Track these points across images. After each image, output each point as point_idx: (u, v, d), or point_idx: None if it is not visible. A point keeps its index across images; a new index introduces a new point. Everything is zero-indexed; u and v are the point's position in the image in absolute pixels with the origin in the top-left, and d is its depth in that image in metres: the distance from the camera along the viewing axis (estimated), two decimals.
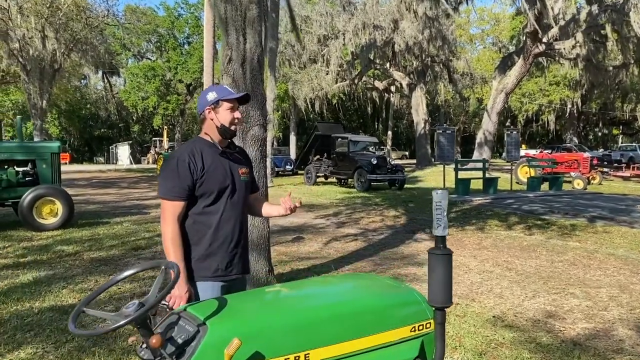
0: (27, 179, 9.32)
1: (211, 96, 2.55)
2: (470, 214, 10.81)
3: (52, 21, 20.14)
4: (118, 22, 26.79)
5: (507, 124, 46.25)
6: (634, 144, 36.21)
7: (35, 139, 21.53)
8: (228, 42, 4.86)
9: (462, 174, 14.16)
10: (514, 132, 14.83)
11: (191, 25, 46.89)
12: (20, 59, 20.55)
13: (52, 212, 8.84)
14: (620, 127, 49.49)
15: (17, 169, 9.23)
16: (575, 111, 42.09)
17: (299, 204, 2.61)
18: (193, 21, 46.54)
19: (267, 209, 2.81)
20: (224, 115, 2.53)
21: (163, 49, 47.81)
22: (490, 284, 5.86)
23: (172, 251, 2.40)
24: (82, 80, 41.73)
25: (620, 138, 52.27)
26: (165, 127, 44.54)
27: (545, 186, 15.30)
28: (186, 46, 47.73)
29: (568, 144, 33.38)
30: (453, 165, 14.34)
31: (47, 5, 19.40)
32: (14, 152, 9.17)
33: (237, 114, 2.57)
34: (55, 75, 22.43)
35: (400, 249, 7.76)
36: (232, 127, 2.56)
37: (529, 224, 9.73)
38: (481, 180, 14.40)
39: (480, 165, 15.41)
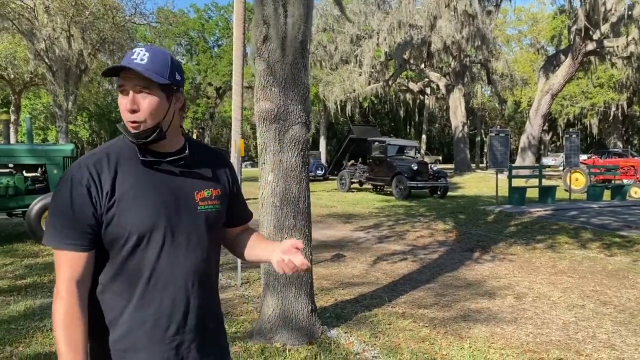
0: (36, 185, 8.34)
1: None
2: (533, 229, 9.47)
3: (78, 20, 19.56)
4: (146, 22, 26.15)
5: (545, 127, 44.32)
6: None
7: (61, 142, 20.95)
8: (264, 15, 3.74)
9: (515, 182, 12.75)
10: (574, 136, 13.30)
11: (221, 27, 46.52)
12: (46, 60, 20.01)
13: None
14: None
15: (26, 174, 8.28)
16: (619, 115, 39.93)
17: (305, 267, 1.41)
18: (223, 23, 46.13)
19: (257, 251, 1.62)
20: (120, 102, 1.35)
21: (193, 52, 47.53)
22: (589, 327, 4.59)
23: (64, 343, 1.27)
24: (114, 85, 41.50)
25: None
26: (195, 130, 44.15)
27: (606, 195, 13.76)
28: (216, 49, 47.37)
29: (616, 149, 31.35)
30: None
31: (73, 4, 18.79)
32: (22, 156, 8.18)
33: (127, 102, 1.30)
34: (82, 76, 21.88)
35: (462, 272, 6.52)
36: (129, 126, 1.32)
37: (606, 241, 8.34)
38: (534, 188, 13.01)
39: (530, 171, 14.01)
